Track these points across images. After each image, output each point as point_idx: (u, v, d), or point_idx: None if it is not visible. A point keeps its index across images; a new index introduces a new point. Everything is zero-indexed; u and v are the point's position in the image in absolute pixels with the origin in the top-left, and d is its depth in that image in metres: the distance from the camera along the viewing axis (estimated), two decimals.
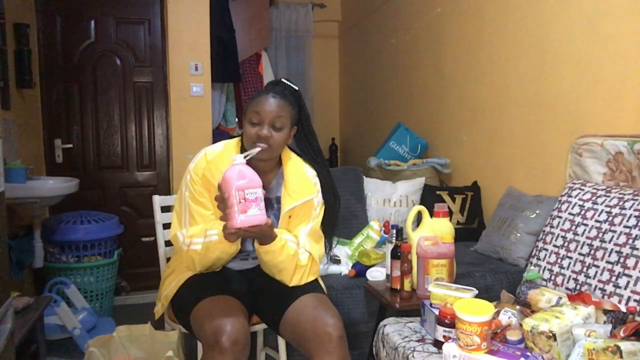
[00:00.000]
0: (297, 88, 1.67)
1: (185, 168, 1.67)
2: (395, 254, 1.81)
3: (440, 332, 1.42)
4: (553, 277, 1.76)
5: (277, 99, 1.56)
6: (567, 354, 1.28)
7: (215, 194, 1.47)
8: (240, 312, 1.48)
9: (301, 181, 1.66)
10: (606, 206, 1.68)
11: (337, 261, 2.27)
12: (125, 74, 3.54)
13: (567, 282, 1.70)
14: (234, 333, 1.37)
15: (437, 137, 3.32)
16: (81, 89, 3.47)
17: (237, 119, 4.46)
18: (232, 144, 1.69)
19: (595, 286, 1.59)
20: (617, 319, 1.40)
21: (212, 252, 1.52)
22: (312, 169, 1.71)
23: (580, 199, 1.81)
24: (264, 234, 1.47)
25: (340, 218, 2.66)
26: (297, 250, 1.58)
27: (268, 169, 1.67)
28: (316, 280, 1.69)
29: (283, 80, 1.67)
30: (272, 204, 1.68)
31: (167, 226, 1.81)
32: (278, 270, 1.58)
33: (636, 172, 1.76)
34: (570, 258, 1.72)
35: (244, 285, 1.67)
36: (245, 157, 1.41)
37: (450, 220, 2.04)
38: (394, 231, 1.85)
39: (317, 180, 1.69)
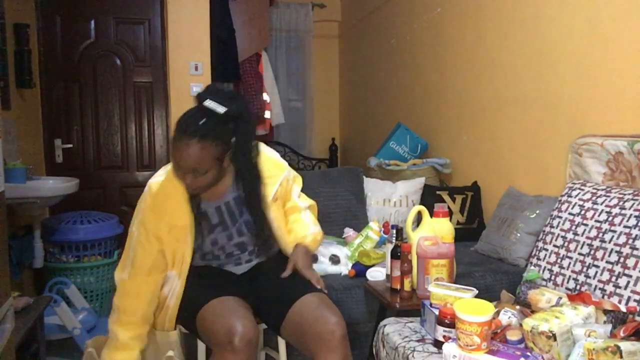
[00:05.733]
0: (222, 111, 1.40)
1: None
2: (395, 254, 1.81)
3: (440, 332, 1.42)
4: (553, 277, 1.76)
5: (194, 145, 1.38)
6: (567, 354, 1.28)
7: (167, 221, 1.53)
8: (248, 311, 1.49)
9: (268, 164, 1.66)
10: (606, 206, 1.68)
11: (337, 261, 2.27)
12: (125, 74, 3.54)
13: (567, 282, 1.70)
14: (246, 333, 1.38)
15: (437, 137, 3.32)
16: (81, 89, 3.47)
17: None
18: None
19: (595, 286, 1.59)
20: (617, 319, 1.40)
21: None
22: (265, 147, 1.70)
23: (580, 199, 1.81)
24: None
25: (340, 218, 2.69)
26: (308, 223, 1.74)
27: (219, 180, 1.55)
28: None
29: (207, 104, 1.41)
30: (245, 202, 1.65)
31: None
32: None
33: (636, 172, 1.76)
34: (570, 258, 1.72)
35: (245, 286, 1.67)
36: None
37: (450, 220, 2.04)
38: (394, 231, 1.85)
39: (277, 158, 1.73)
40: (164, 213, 1.54)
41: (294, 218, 1.76)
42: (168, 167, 1.59)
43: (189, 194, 1.54)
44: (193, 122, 1.40)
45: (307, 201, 1.84)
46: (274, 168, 1.68)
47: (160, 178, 1.58)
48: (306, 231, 1.71)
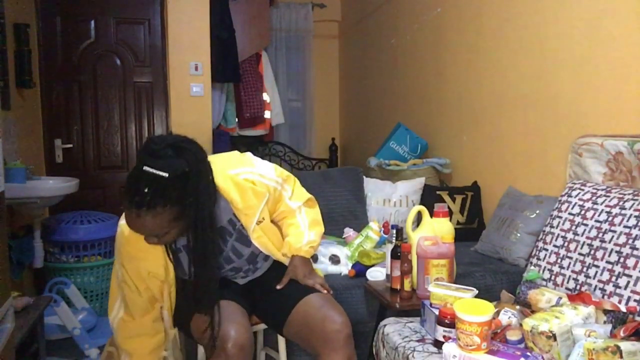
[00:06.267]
0: (164, 175, 1.25)
1: None
2: (395, 254, 1.81)
3: (440, 332, 1.42)
4: (553, 277, 1.76)
5: (143, 215, 1.26)
6: (567, 354, 1.28)
7: (144, 267, 1.44)
8: (242, 315, 1.48)
9: (245, 192, 1.50)
10: (606, 206, 1.68)
11: (337, 261, 2.27)
12: (125, 74, 3.54)
13: (567, 282, 1.70)
14: (239, 339, 1.37)
15: (437, 137, 3.32)
16: (81, 89, 3.48)
17: (237, 119, 4.46)
18: None
19: (595, 286, 1.59)
20: (617, 319, 1.40)
21: None
22: (240, 168, 1.52)
23: (580, 199, 1.81)
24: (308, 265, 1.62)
25: (341, 218, 2.69)
26: (302, 230, 1.64)
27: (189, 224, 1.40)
28: None
29: (146, 169, 1.25)
30: (227, 231, 1.55)
31: None
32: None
33: (636, 172, 1.76)
34: (570, 258, 1.72)
35: (241, 287, 1.66)
36: None
37: (450, 220, 2.04)
38: (394, 231, 1.85)
39: (258, 177, 1.53)
40: (139, 259, 1.45)
41: (289, 222, 1.66)
42: None
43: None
44: (137, 192, 1.25)
45: (301, 198, 1.68)
46: (252, 197, 1.50)
47: None
48: (300, 242, 1.61)
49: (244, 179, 1.51)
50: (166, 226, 1.30)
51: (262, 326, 1.70)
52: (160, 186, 1.25)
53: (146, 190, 1.24)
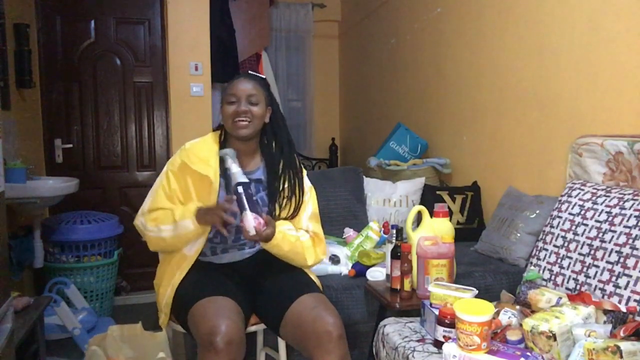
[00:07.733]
0: (264, 77, 1.81)
1: None
2: (395, 254, 1.81)
3: (440, 332, 1.42)
4: (553, 277, 1.76)
5: (249, 80, 1.70)
6: (567, 354, 1.28)
7: (192, 179, 1.66)
8: (236, 312, 1.49)
9: None
10: (606, 206, 1.68)
11: (337, 261, 2.27)
12: (125, 74, 3.54)
13: (567, 282, 1.70)
14: (228, 333, 1.38)
15: (437, 137, 3.32)
16: (81, 88, 3.47)
17: None
18: (213, 135, 1.78)
19: (595, 286, 1.59)
20: (617, 319, 1.40)
21: (185, 238, 1.63)
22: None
23: (580, 199, 1.81)
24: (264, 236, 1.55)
25: (340, 218, 2.69)
26: (298, 236, 1.67)
27: (253, 151, 1.76)
28: (312, 280, 1.72)
29: (249, 72, 1.81)
30: (263, 184, 1.75)
31: None
32: (290, 259, 1.69)
33: (636, 172, 1.76)
34: (570, 258, 1.72)
35: (242, 284, 1.67)
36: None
37: (450, 220, 2.04)
38: (394, 231, 1.85)
39: (301, 166, 1.81)
40: (193, 163, 1.67)
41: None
42: (205, 136, 1.78)
43: (219, 159, 1.67)
44: (242, 74, 1.74)
45: (315, 227, 1.77)
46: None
47: (196, 140, 1.77)
48: (284, 225, 1.66)
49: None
50: (260, 96, 1.68)
51: (262, 326, 1.70)
52: (260, 79, 1.75)
53: (250, 72, 1.78)
